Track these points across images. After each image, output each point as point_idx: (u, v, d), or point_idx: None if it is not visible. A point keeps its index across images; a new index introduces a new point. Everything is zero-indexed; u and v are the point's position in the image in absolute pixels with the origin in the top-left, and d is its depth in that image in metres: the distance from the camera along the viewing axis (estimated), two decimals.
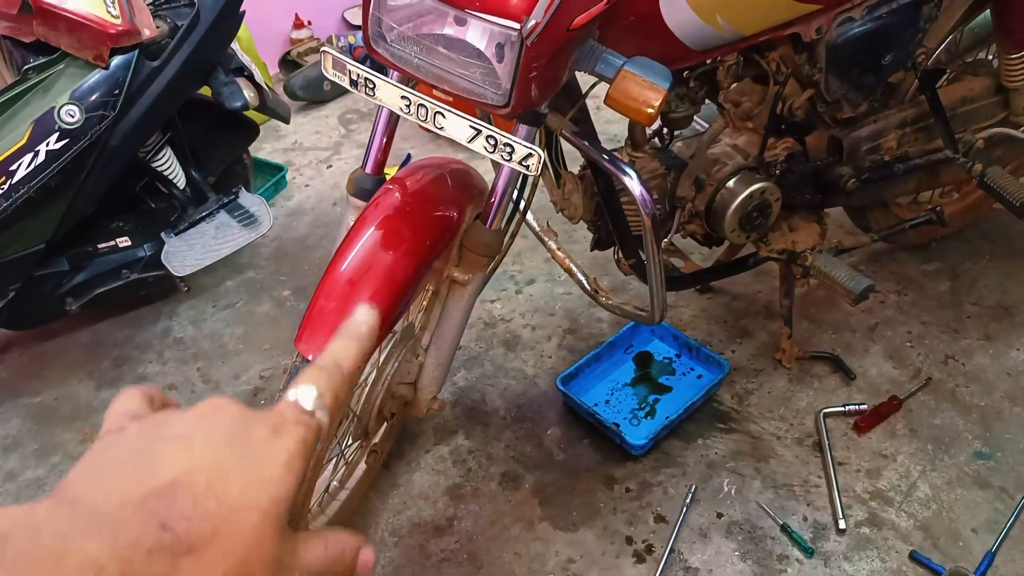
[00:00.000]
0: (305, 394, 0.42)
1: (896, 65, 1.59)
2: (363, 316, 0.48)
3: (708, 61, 1.43)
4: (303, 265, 2.37)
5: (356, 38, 3.20)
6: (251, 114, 2.04)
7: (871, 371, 1.93)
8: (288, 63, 3.12)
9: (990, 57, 1.89)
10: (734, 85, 1.54)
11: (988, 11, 1.74)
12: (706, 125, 1.69)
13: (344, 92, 3.07)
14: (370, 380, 1.42)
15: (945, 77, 1.85)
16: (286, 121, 2.15)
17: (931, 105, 1.71)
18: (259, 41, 2.79)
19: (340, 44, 3.20)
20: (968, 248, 2.23)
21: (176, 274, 1.90)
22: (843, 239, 1.90)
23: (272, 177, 2.59)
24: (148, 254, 1.98)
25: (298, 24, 3.14)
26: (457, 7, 1.02)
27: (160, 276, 2.00)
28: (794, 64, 1.51)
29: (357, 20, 3.27)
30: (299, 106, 3.02)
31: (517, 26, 1.01)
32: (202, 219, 1.96)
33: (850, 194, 1.72)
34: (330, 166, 2.78)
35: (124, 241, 1.95)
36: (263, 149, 2.82)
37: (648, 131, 1.63)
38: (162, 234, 1.96)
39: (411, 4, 1.06)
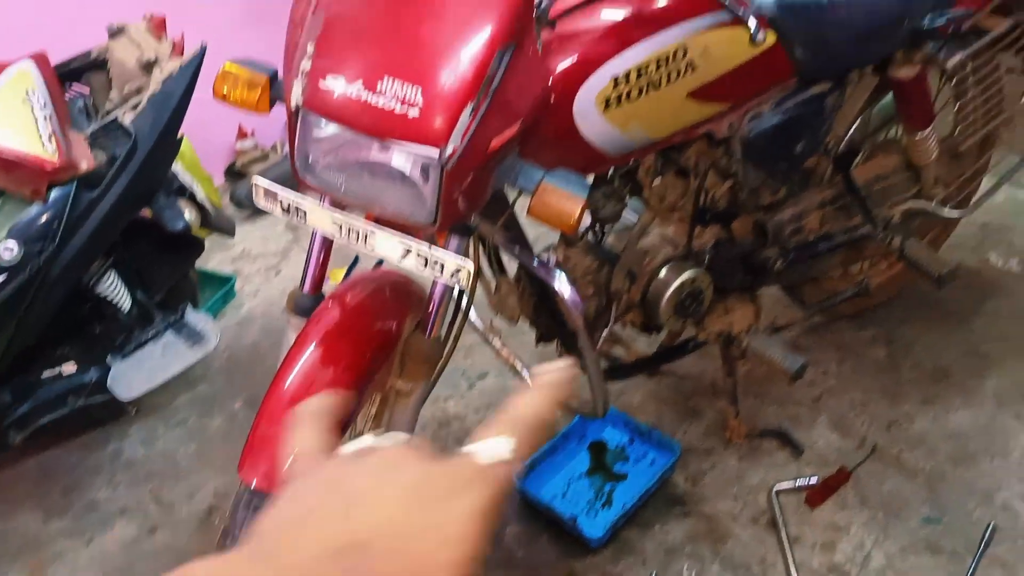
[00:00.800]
0: (499, 446, 0.41)
1: (809, 152, 1.68)
2: (562, 366, 0.47)
3: (629, 163, 1.50)
4: (255, 375, 2.37)
5: None
6: (196, 229, 2.07)
7: (819, 442, 1.97)
8: (234, 173, 3.17)
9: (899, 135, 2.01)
10: (657, 180, 1.61)
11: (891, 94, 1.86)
12: (635, 217, 1.75)
13: None
14: None
15: (859, 157, 1.95)
16: (231, 235, 2.18)
17: (846, 186, 1.80)
18: (204, 154, 2.84)
19: (285, 152, 3.27)
20: (901, 314, 2.31)
21: (122, 399, 1.89)
22: (780, 314, 1.97)
23: (220, 288, 2.61)
24: (94, 379, 1.97)
25: (242, 135, 3.20)
26: (378, 137, 1.07)
27: (107, 400, 1.99)
28: (711, 159, 1.59)
29: None
30: (246, 214, 3.06)
31: (436, 153, 1.06)
32: (148, 340, 1.97)
33: (779, 275, 1.79)
34: (279, 272, 2.81)
35: (69, 368, 1.94)
36: (211, 260, 2.84)
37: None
38: (108, 358, 1.95)
39: (335, 135, 1.11)
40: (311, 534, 0.37)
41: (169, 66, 1.77)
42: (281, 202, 1.22)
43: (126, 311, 2.00)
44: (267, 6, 3.06)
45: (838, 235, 1.84)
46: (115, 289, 1.96)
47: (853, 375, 2.14)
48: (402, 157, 1.09)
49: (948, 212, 1.92)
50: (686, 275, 1.63)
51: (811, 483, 1.85)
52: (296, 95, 1.09)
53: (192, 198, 1.95)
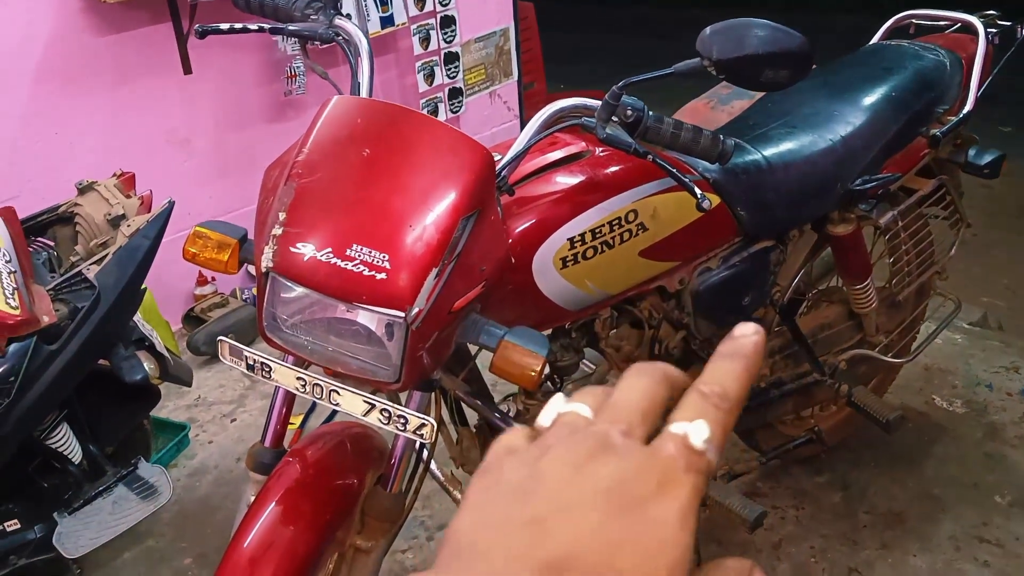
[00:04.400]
0: (695, 432, 0.36)
1: (756, 304, 1.76)
2: (748, 331, 0.40)
3: (585, 316, 1.55)
4: (206, 529, 2.29)
5: None
6: (153, 378, 2.05)
7: None
8: (192, 319, 3.17)
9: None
10: (613, 332, 1.67)
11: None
12: (592, 366, 1.80)
13: (248, 344, 3.12)
14: None
15: (804, 306, 2.05)
16: (188, 385, 2.17)
17: (793, 335, 1.88)
18: (162, 298, 2.85)
19: (244, 296, 3.29)
20: (853, 456, 2.35)
21: (69, 556, 1.82)
22: (736, 462, 1.99)
23: (174, 436, 2.56)
24: (38, 536, 1.89)
25: (201, 281, 3.23)
26: (347, 301, 1.11)
27: (51, 559, 1.91)
28: (664, 311, 1.66)
29: None
30: (202, 361, 3.04)
31: (402, 315, 1.10)
32: (98, 495, 1.91)
33: None
34: (234, 420, 2.77)
35: (12, 525, 1.86)
36: (165, 407, 2.80)
37: None
38: (55, 514, 1.88)
39: (303, 298, 1.15)
40: (504, 552, 0.34)
41: (137, 221, 1.81)
42: (246, 359, 1.24)
43: (76, 464, 1.95)
44: (231, 162, 3.18)
45: (789, 382, 1.90)
46: (66, 442, 1.92)
47: (811, 521, 2.15)
48: (369, 317, 1.12)
49: (891, 359, 2.00)
50: None
51: None
52: (267, 259, 1.13)
53: (151, 348, 1.95)
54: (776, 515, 2.16)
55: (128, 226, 1.81)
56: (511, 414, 1.57)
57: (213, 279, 3.27)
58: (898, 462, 2.32)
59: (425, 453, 1.57)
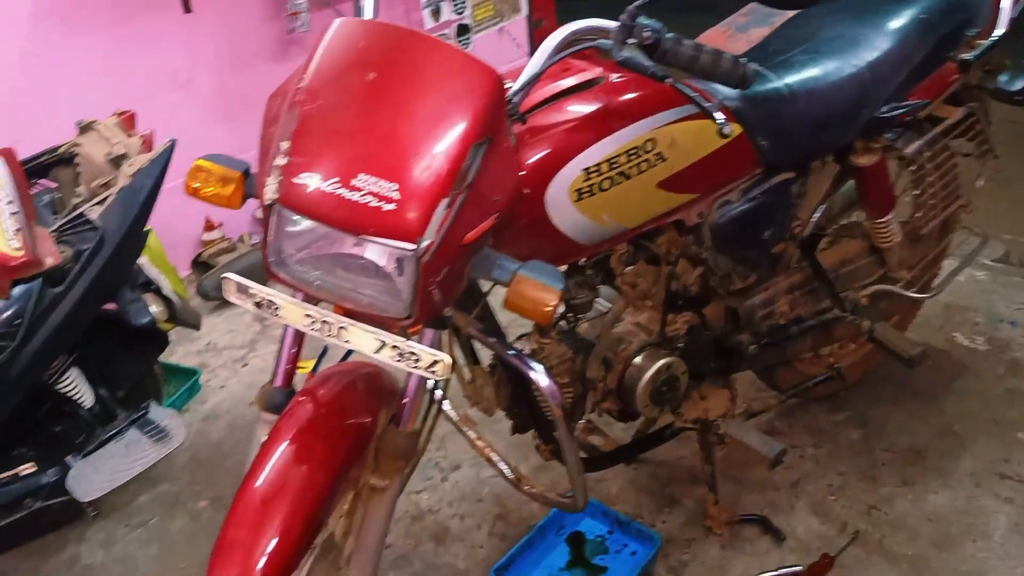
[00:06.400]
0: None
1: (776, 238, 1.71)
2: None
3: (600, 252, 1.51)
4: (219, 473, 2.29)
5: None
6: (161, 322, 2.03)
7: (799, 529, 1.94)
8: (200, 265, 3.14)
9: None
10: (629, 269, 1.62)
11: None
12: (608, 304, 1.75)
13: None
14: None
15: (824, 240, 1.99)
16: (196, 328, 2.15)
17: (814, 270, 1.83)
18: (170, 245, 2.82)
19: (252, 242, 3.25)
20: (871, 393, 2.31)
21: (82, 500, 1.82)
22: (753, 400, 1.96)
23: (185, 382, 2.55)
24: (52, 480, 1.89)
25: (209, 226, 3.19)
26: (354, 233, 1.07)
27: (66, 502, 1.91)
28: (682, 246, 1.61)
29: None
30: (212, 306, 3.01)
31: (412, 247, 1.05)
32: (110, 438, 1.90)
33: (752, 359, 1.79)
34: (246, 364, 2.76)
35: (26, 469, 1.86)
36: (175, 353, 2.78)
37: None
38: (68, 458, 1.88)
39: (310, 231, 1.10)
40: None
41: (138, 161, 1.77)
42: (253, 297, 1.20)
43: (87, 408, 1.94)
44: (234, 104, 3.12)
45: (809, 318, 1.86)
46: (76, 386, 1.90)
47: (829, 459, 2.13)
48: (378, 251, 1.08)
49: (913, 294, 1.95)
50: (661, 362, 1.63)
51: (795, 571, 1.81)
52: (270, 190, 1.09)
53: (158, 291, 1.92)
54: (794, 454, 2.14)
55: (130, 166, 1.77)
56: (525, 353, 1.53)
57: (220, 224, 3.23)
58: (917, 399, 2.29)
59: (438, 393, 1.54)
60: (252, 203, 1.24)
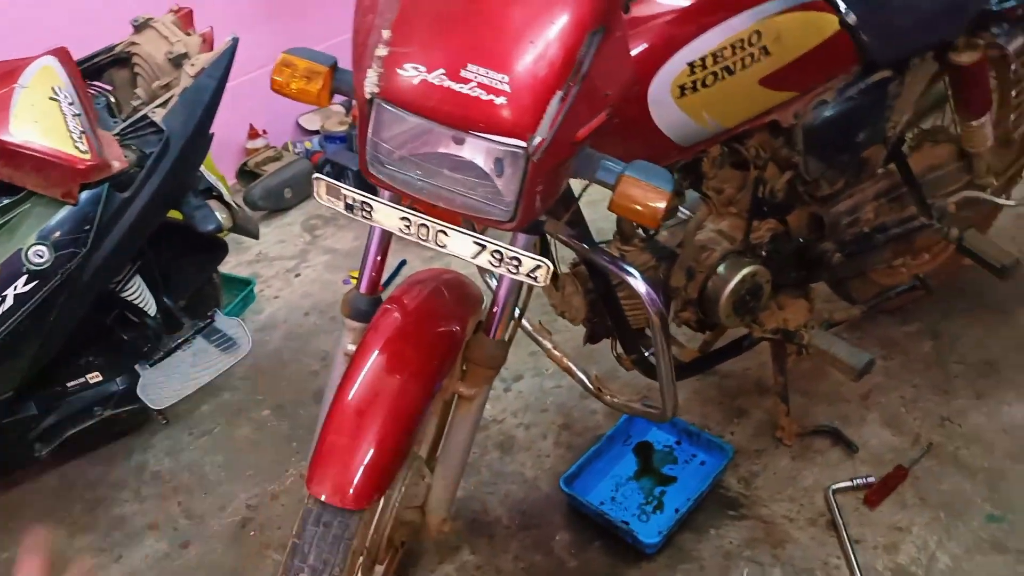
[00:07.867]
0: None
1: (870, 141, 1.63)
2: None
3: (691, 155, 1.44)
4: (280, 382, 2.29)
5: (313, 143, 3.19)
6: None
7: (871, 441, 1.91)
8: (246, 173, 3.09)
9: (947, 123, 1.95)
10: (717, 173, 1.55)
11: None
12: (687, 212, 1.69)
13: (305, 199, 3.04)
14: (377, 509, 1.35)
15: (905, 146, 1.90)
16: (255, 237, 2.11)
17: (903, 175, 1.75)
18: (215, 155, 2.76)
19: (296, 151, 3.19)
20: (943, 306, 2.25)
21: (155, 407, 1.82)
22: (833, 310, 1.90)
23: (240, 292, 2.53)
24: (121, 388, 1.89)
25: (253, 134, 3.12)
26: (462, 129, 1.00)
27: (135, 410, 1.91)
28: (772, 149, 1.54)
29: (312, 126, 3.26)
30: (260, 216, 2.97)
31: (523, 144, 0.99)
32: (178, 347, 1.89)
33: (835, 268, 1.73)
34: (298, 275, 2.73)
35: (95, 377, 1.86)
36: (227, 263, 2.74)
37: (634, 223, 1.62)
38: (136, 366, 1.87)
39: (414, 127, 1.04)
40: None
41: (200, 60, 1.69)
42: (346, 197, 1.15)
43: (152, 316, 1.92)
44: (281, 2, 2.99)
45: (893, 227, 1.79)
46: (141, 295, 1.88)
47: (901, 371, 2.09)
48: (486, 149, 1.02)
49: (1004, 201, 1.87)
50: (746, 270, 1.57)
51: (868, 482, 1.80)
52: (370, 84, 1.02)
53: (220, 198, 1.87)
54: None
55: (192, 65, 1.69)
56: None
57: (264, 132, 3.16)
58: (991, 313, 2.23)
59: (520, 306, 1.50)
60: (294, 111, 1.16)
